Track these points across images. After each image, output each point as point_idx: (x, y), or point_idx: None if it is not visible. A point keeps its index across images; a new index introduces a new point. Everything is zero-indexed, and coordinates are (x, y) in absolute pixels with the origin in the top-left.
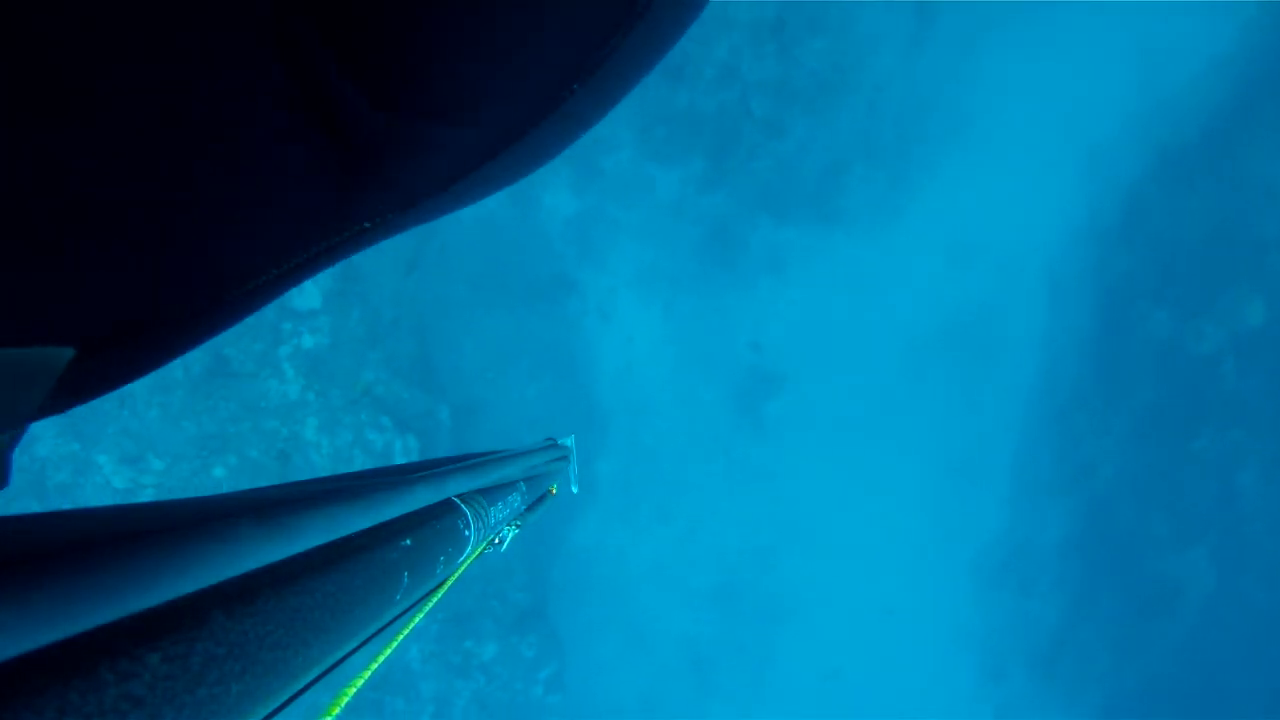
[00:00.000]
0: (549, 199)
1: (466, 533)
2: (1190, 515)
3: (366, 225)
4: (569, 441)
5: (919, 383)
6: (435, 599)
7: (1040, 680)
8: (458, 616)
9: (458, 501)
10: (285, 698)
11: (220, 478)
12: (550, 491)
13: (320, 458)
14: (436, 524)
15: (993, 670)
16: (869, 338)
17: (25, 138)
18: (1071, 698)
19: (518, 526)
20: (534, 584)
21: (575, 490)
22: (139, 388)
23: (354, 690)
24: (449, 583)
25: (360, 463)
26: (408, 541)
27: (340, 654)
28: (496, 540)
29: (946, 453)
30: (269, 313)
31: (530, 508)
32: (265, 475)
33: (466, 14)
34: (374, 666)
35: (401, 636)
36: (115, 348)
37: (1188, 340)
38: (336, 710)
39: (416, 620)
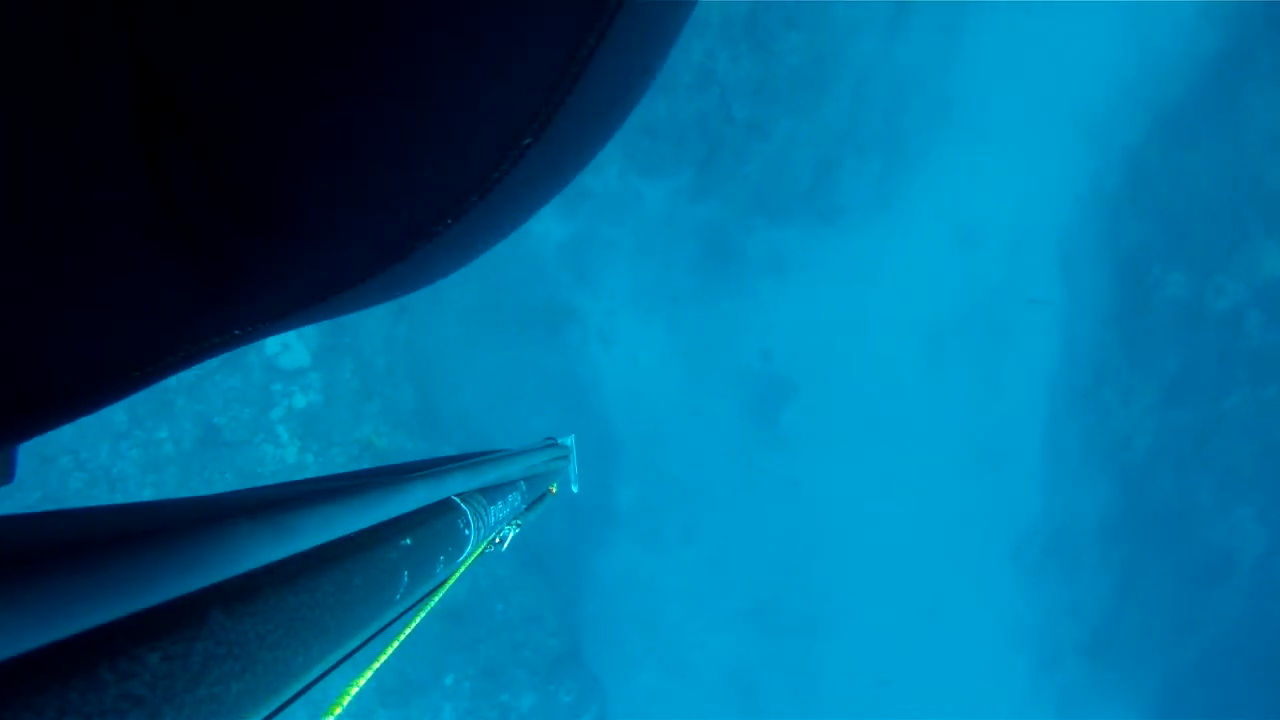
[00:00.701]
0: (538, 226)
1: (466, 532)
2: (1232, 477)
3: (237, 332)
4: (569, 441)
5: (937, 373)
6: (436, 599)
7: (1097, 664)
8: (490, 670)
9: (458, 501)
10: (285, 697)
11: None
12: (550, 491)
13: None
14: (436, 523)
15: (1047, 659)
16: (880, 332)
17: None
18: (1131, 678)
19: (518, 526)
20: (564, 626)
21: (575, 490)
22: (129, 468)
23: (355, 690)
24: (449, 582)
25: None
26: (408, 541)
27: (340, 654)
28: (497, 540)
29: (973, 441)
30: (256, 375)
31: (530, 507)
32: None
33: (334, 150)
34: (375, 666)
35: (402, 636)
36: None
37: (1208, 298)
38: (338, 710)
39: (417, 620)
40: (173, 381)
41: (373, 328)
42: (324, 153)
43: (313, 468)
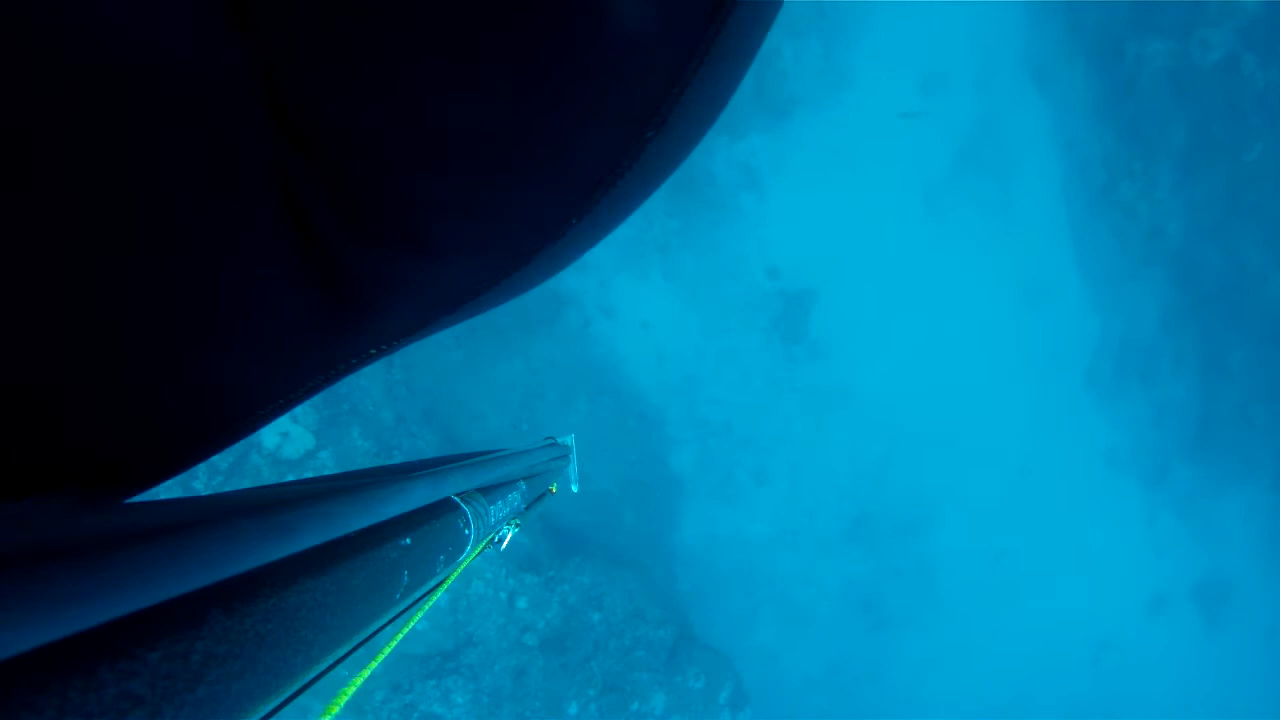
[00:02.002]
0: None
1: (466, 531)
2: (1275, 228)
3: (372, 351)
4: (569, 440)
5: (948, 228)
6: (435, 598)
7: (1203, 462)
8: (610, 684)
9: (457, 500)
10: (285, 696)
11: None
12: (550, 490)
13: None
14: (436, 523)
15: (1153, 475)
16: (877, 208)
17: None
18: (1241, 463)
19: (517, 525)
20: (668, 613)
21: (575, 489)
22: None
23: (353, 690)
24: (449, 581)
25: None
26: (408, 540)
27: (340, 653)
28: (496, 539)
29: (1009, 284)
30: (266, 474)
31: (530, 506)
32: None
33: (463, 167)
34: (374, 665)
35: (402, 634)
36: (113, 483)
37: (1195, 56)
38: (336, 709)
39: (416, 619)
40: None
41: (367, 385)
42: (453, 169)
43: None
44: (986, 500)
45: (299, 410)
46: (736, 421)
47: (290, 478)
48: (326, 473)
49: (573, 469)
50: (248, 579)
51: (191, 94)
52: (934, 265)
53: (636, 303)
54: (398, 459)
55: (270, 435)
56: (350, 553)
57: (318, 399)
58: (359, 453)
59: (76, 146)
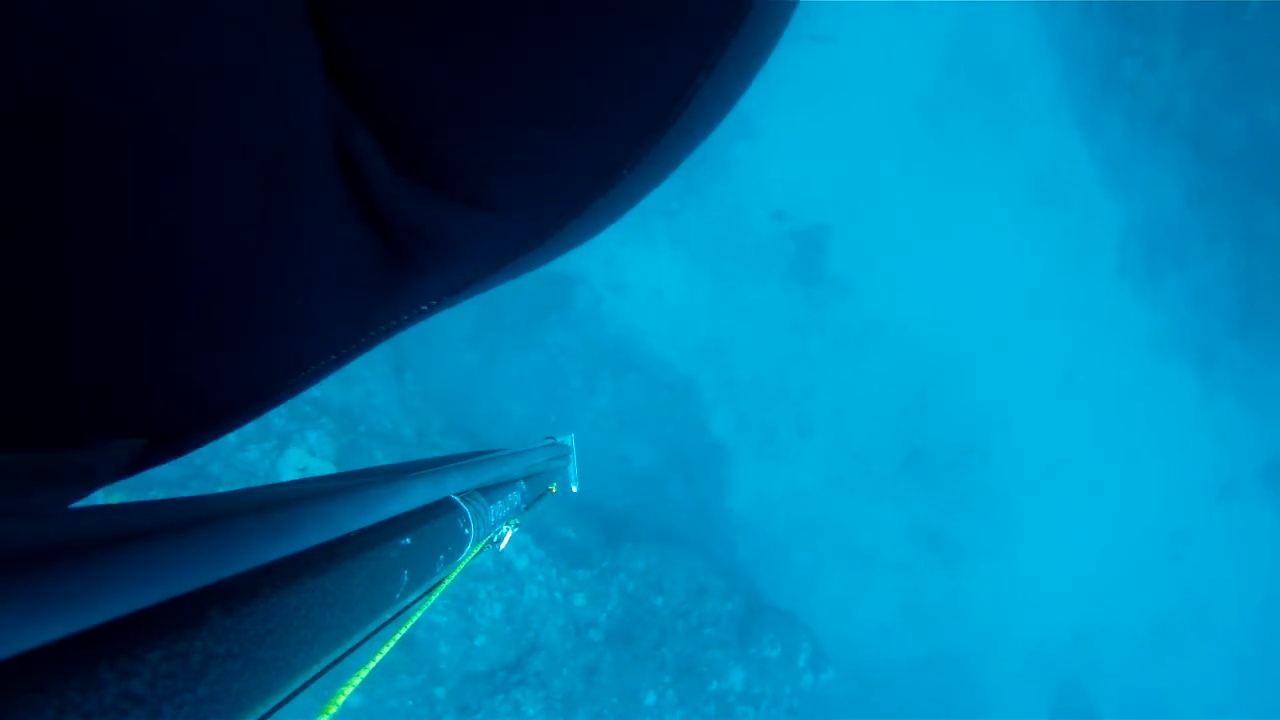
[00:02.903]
0: None
1: (466, 531)
2: None
3: (423, 308)
4: (569, 440)
5: (948, 137)
6: (434, 597)
7: (1255, 336)
8: (685, 667)
9: (457, 500)
10: (285, 695)
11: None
12: (550, 490)
13: (449, 617)
14: (436, 522)
15: (1203, 357)
16: (874, 132)
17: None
18: None
19: (517, 525)
20: (733, 584)
21: (575, 489)
22: None
23: (352, 689)
24: (448, 581)
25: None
26: (407, 540)
27: (340, 652)
28: (496, 539)
29: (1021, 185)
30: None
31: (529, 506)
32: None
33: (522, 118)
34: (373, 665)
35: (401, 634)
36: (181, 435)
37: None
38: (334, 709)
39: (416, 618)
40: None
41: (379, 402)
42: (511, 120)
43: None
44: (1036, 411)
45: (314, 441)
46: (768, 376)
47: None
48: None
49: (572, 468)
50: (248, 579)
51: (250, 47)
52: (942, 180)
53: (646, 273)
54: None
55: (290, 472)
56: (350, 553)
57: (331, 425)
58: None
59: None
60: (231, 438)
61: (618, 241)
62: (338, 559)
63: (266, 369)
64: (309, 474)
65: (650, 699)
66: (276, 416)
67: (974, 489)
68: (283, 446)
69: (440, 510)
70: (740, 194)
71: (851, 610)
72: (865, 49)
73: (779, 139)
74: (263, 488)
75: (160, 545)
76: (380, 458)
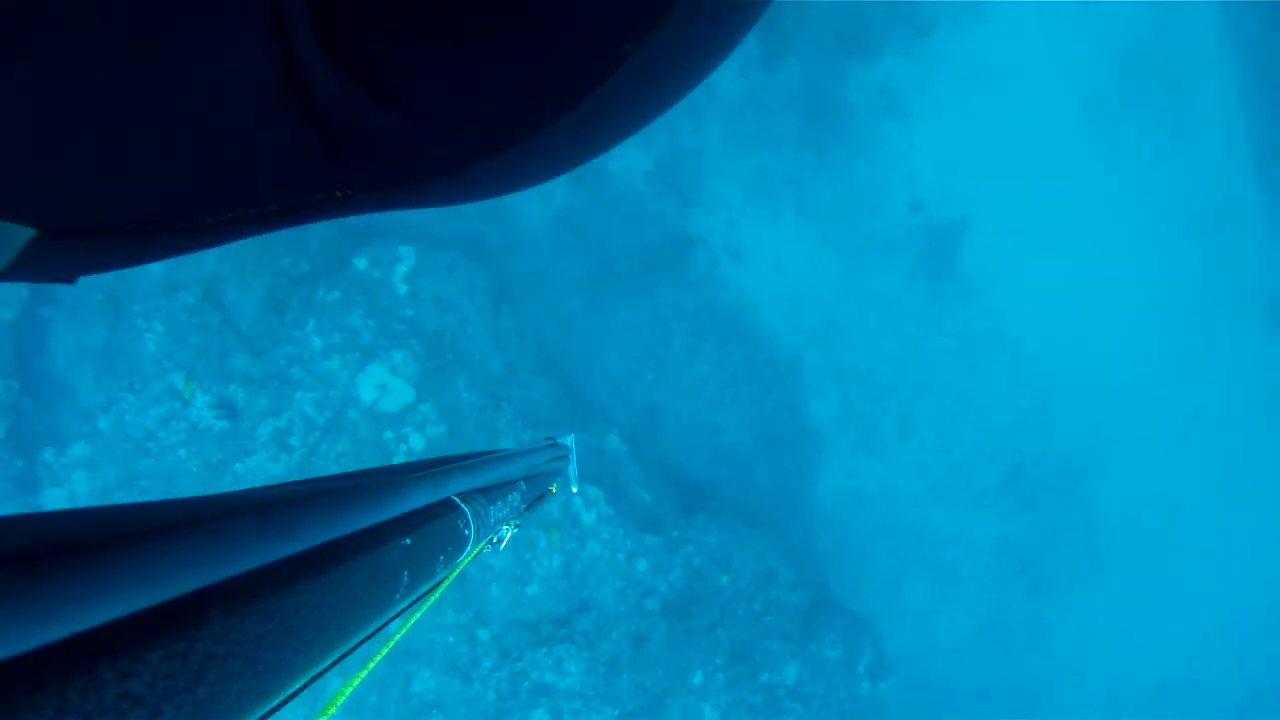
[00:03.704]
0: (617, 165)
1: (466, 532)
2: None
3: (338, 194)
4: (569, 441)
5: (1111, 145)
6: (434, 598)
7: None
8: (739, 653)
9: (457, 500)
10: (285, 696)
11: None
12: (550, 490)
13: (505, 560)
14: (436, 523)
15: None
16: (1033, 130)
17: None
18: None
19: (517, 525)
20: (804, 575)
21: (575, 490)
22: None
23: (351, 689)
24: (448, 581)
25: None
26: (407, 541)
27: (340, 652)
28: (495, 539)
29: (1180, 206)
30: (363, 430)
31: (530, 506)
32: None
33: (451, 35)
34: (372, 665)
35: (400, 634)
36: (74, 239)
37: None
38: (334, 709)
39: (415, 619)
40: (279, 469)
41: (473, 331)
42: (443, 32)
43: None
44: (1155, 450)
45: (398, 361)
46: (879, 368)
47: (389, 434)
48: (428, 429)
49: (572, 469)
50: (248, 579)
51: None
52: (1096, 191)
53: (767, 243)
54: (507, 412)
55: (367, 388)
56: (350, 553)
57: (418, 347)
58: (465, 406)
59: None
60: (316, 343)
61: (743, 206)
62: (338, 560)
63: (168, 198)
64: (388, 393)
65: (697, 679)
66: (364, 329)
67: (1075, 519)
68: (365, 360)
69: (441, 511)
70: (880, 175)
71: (925, 623)
72: (1036, 40)
73: (931, 123)
74: (263, 488)
75: (160, 545)
76: (462, 389)
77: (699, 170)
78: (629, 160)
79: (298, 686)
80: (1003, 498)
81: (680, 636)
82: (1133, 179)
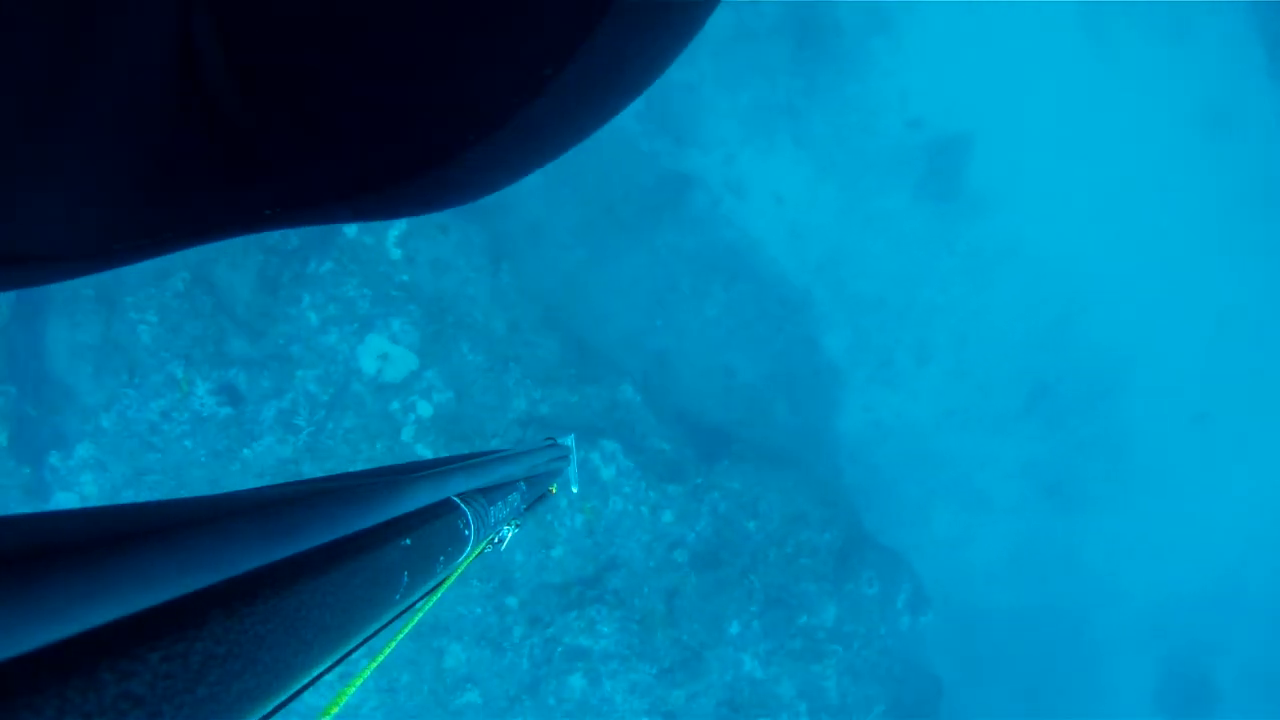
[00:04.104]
0: None
1: (466, 532)
2: None
3: (267, 212)
4: (569, 441)
5: (1112, 46)
6: (435, 598)
7: None
8: (774, 599)
9: (458, 501)
10: (285, 697)
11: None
12: (550, 491)
13: (529, 525)
14: (436, 523)
15: None
16: (1031, 35)
17: None
18: None
19: (517, 526)
20: (833, 513)
21: (575, 490)
22: None
23: (353, 690)
24: (448, 582)
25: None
26: (408, 541)
27: (340, 653)
28: (496, 540)
29: (1189, 105)
30: (369, 403)
31: (530, 507)
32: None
33: (362, 50)
34: (373, 666)
35: (401, 635)
36: None
37: None
38: (335, 709)
39: (416, 619)
40: (287, 451)
41: (473, 292)
42: (350, 47)
43: None
44: (1180, 359)
45: (397, 329)
46: (891, 295)
47: (395, 405)
48: (435, 396)
49: (572, 469)
50: (248, 579)
51: None
52: (1100, 95)
53: (766, 176)
54: (515, 372)
55: (368, 359)
56: (350, 553)
57: (418, 313)
58: (471, 369)
59: None
60: (313, 318)
61: (738, 140)
62: (338, 560)
63: (70, 230)
64: (390, 362)
65: (734, 628)
66: (360, 299)
67: (1103, 435)
68: (364, 331)
69: (441, 511)
70: (874, 96)
71: (958, 552)
72: None
73: (921, 36)
74: (263, 488)
75: (160, 545)
76: (466, 351)
77: (692, 107)
78: None
79: (298, 687)
80: (1027, 419)
81: (713, 587)
82: (1137, 80)
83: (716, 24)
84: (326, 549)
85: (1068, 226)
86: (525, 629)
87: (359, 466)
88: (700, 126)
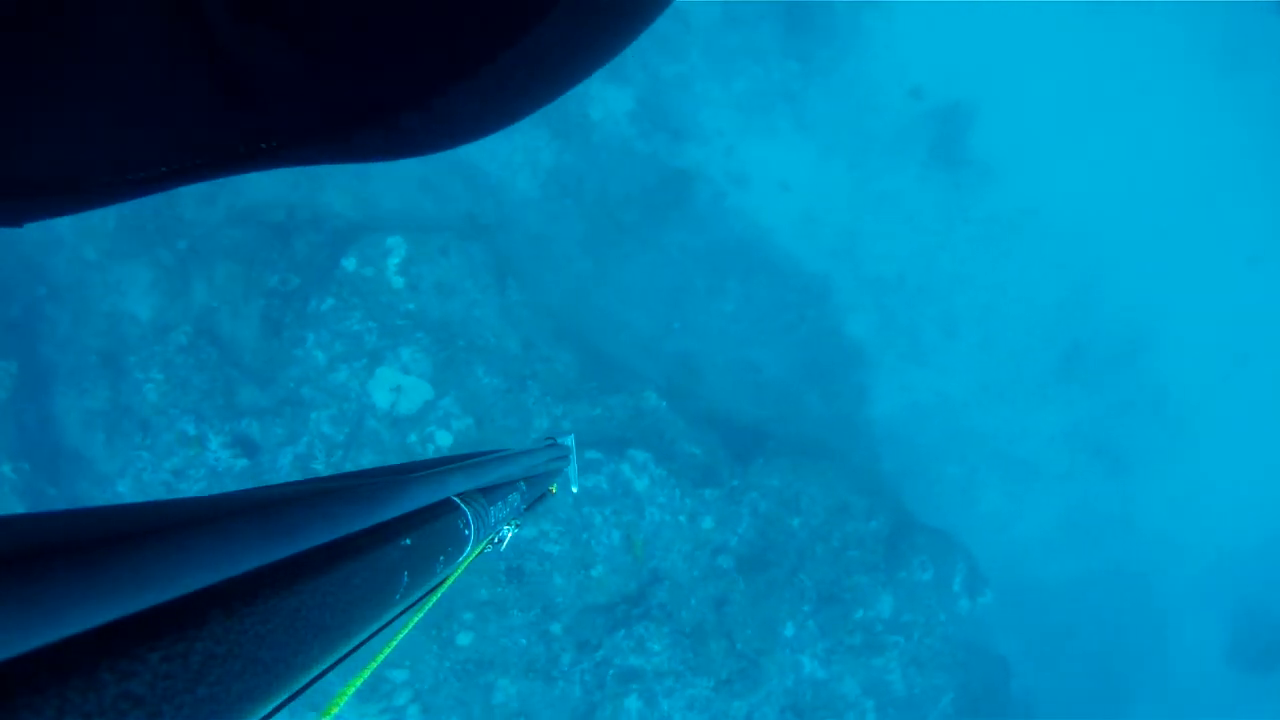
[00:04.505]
0: (595, 112)
1: (466, 532)
2: None
3: (263, 146)
4: (569, 441)
5: None
6: (434, 598)
7: None
8: (827, 595)
9: (458, 501)
10: (285, 696)
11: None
12: (550, 491)
13: (563, 546)
14: (436, 523)
15: None
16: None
17: None
18: None
19: (517, 526)
20: (877, 502)
21: (575, 490)
22: None
23: (353, 690)
24: (448, 582)
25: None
26: (408, 541)
27: (340, 653)
28: (496, 539)
29: (1202, 40)
30: (386, 437)
31: (530, 507)
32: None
33: None
34: (374, 666)
35: (401, 635)
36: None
37: None
38: (335, 709)
39: (416, 619)
40: None
41: (481, 313)
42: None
43: None
44: (1214, 303)
45: (407, 358)
46: (910, 272)
47: (413, 438)
48: (453, 424)
49: (572, 469)
50: (248, 579)
51: None
52: (1104, 44)
53: (770, 163)
54: (534, 390)
55: (381, 393)
56: (350, 553)
57: (427, 340)
58: (488, 392)
59: None
60: (320, 357)
61: (738, 130)
62: (338, 560)
63: (82, 159)
64: (404, 394)
65: (789, 630)
66: (366, 333)
67: (1143, 390)
68: (374, 365)
69: (441, 511)
70: (872, 71)
71: (1009, 526)
72: None
73: (913, 5)
74: (263, 488)
75: (160, 545)
76: (481, 375)
77: (685, 100)
78: (609, 104)
79: (298, 687)
80: (1064, 382)
81: (762, 590)
82: (1145, 23)
83: (703, 13)
84: (326, 549)
85: (1085, 181)
86: (574, 654)
87: None
88: (696, 119)
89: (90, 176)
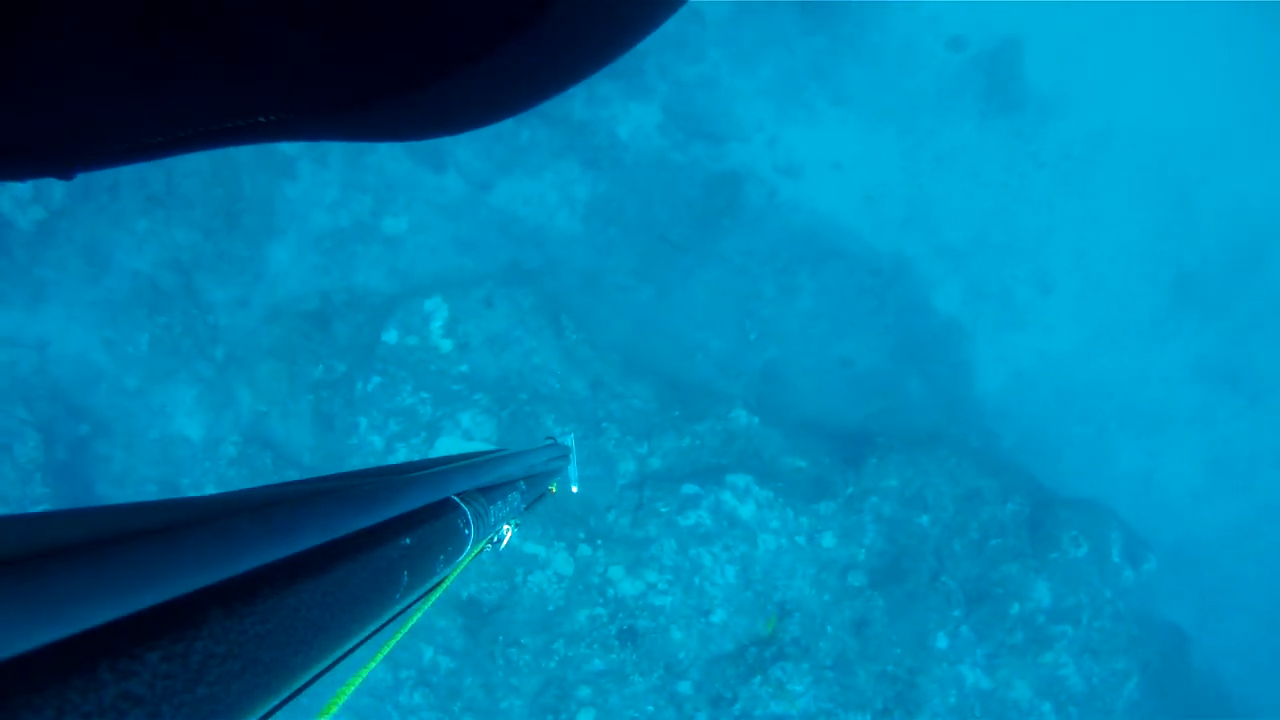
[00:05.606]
0: (623, 130)
1: (466, 531)
2: None
3: (262, 119)
4: (569, 441)
5: None
6: (434, 598)
7: None
8: (978, 593)
9: (457, 500)
10: (285, 696)
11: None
12: (550, 490)
13: (674, 595)
14: (436, 523)
15: None
16: None
17: None
18: None
19: (517, 525)
20: (1010, 481)
21: (575, 490)
22: (418, 700)
23: (352, 689)
24: (448, 581)
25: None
26: (407, 540)
27: (340, 652)
28: (495, 539)
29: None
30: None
31: (530, 506)
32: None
33: None
34: (373, 665)
35: (401, 634)
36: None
37: None
38: (335, 709)
39: (415, 619)
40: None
41: (540, 361)
42: None
43: (600, 557)
44: None
45: (468, 424)
46: (992, 231)
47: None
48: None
49: (572, 469)
50: (248, 579)
51: None
52: None
53: (816, 146)
54: (612, 432)
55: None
56: (350, 553)
57: (486, 400)
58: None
59: None
60: (376, 441)
61: (775, 120)
62: (338, 559)
63: (53, 121)
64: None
65: (942, 642)
66: (419, 405)
67: (1267, 306)
68: (432, 437)
69: (441, 511)
70: (902, 29)
71: (1153, 482)
72: None
73: None
74: (263, 488)
75: (160, 545)
76: (550, 424)
77: (714, 100)
78: (635, 119)
79: (298, 686)
80: (1179, 314)
81: (903, 602)
82: None
83: (714, 7)
84: (326, 548)
85: (1153, 92)
86: (709, 713)
87: (472, 588)
88: (730, 117)
89: (95, 141)
